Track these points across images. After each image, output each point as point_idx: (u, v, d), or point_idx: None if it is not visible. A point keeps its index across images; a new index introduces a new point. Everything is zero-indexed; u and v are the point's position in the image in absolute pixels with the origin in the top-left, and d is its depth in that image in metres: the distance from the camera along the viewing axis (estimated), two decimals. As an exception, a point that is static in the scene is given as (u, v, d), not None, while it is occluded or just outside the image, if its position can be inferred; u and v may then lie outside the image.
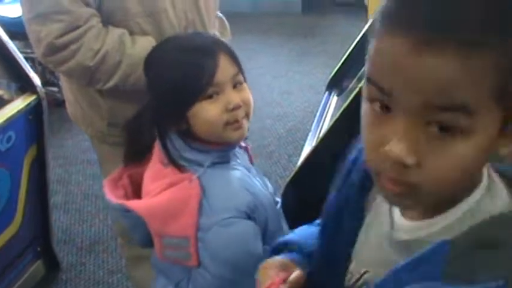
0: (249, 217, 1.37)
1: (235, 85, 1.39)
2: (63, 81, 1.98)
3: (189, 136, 1.41)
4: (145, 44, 1.66)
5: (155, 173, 1.45)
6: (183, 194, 1.36)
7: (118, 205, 1.44)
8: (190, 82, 1.35)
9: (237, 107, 1.37)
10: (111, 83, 1.69)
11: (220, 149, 1.42)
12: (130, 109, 1.54)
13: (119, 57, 1.66)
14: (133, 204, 1.41)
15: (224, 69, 1.36)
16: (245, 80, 1.43)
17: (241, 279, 1.34)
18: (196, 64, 1.35)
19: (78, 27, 1.62)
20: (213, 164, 1.39)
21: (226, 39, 1.94)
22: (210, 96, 1.36)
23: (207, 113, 1.36)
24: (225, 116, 1.37)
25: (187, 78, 1.35)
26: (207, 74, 1.34)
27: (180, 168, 1.39)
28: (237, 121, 1.38)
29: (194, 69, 1.35)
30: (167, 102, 1.40)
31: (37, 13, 1.62)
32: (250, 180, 1.44)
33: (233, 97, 1.37)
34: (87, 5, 1.63)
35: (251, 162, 1.55)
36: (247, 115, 1.41)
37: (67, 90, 1.96)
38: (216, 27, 2.00)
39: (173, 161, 1.40)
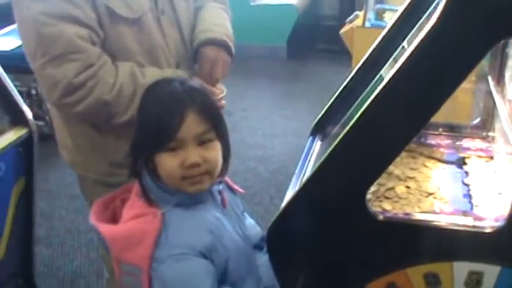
0: (204, 256, 1.40)
1: (202, 143, 1.43)
2: (61, 128, 1.97)
3: (157, 176, 1.46)
4: (154, 73, 1.74)
5: (131, 202, 1.51)
6: (143, 227, 1.42)
7: (93, 226, 1.50)
8: (154, 133, 1.42)
9: (193, 165, 1.41)
10: (127, 115, 1.73)
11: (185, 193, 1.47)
12: None
13: (133, 88, 1.72)
14: (100, 226, 1.48)
15: (190, 126, 1.40)
16: (221, 136, 1.47)
17: None
18: (162, 117, 1.40)
19: (92, 64, 1.67)
20: (180, 204, 1.45)
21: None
22: (172, 149, 1.41)
23: (165, 164, 1.42)
24: (181, 170, 1.41)
25: (152, 128, 1.42)
26: (170, 129, 1.39)
27: (150, 202, 1.46)
28: (193, 177, 1.43)
29: (160, 122, 1.41)
30: (138, 142, 1.47)
31: (52, 56, 1.64)
32: (217, 222, 1.47)
33: (192, 155, 1.40)
34: (94, 44, 1.70)
35: (224, 205, 1.56)
36: (208, 172, 1.44)
37: (66, 136, 1.96)
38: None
39: (145, 195, 1.46)
